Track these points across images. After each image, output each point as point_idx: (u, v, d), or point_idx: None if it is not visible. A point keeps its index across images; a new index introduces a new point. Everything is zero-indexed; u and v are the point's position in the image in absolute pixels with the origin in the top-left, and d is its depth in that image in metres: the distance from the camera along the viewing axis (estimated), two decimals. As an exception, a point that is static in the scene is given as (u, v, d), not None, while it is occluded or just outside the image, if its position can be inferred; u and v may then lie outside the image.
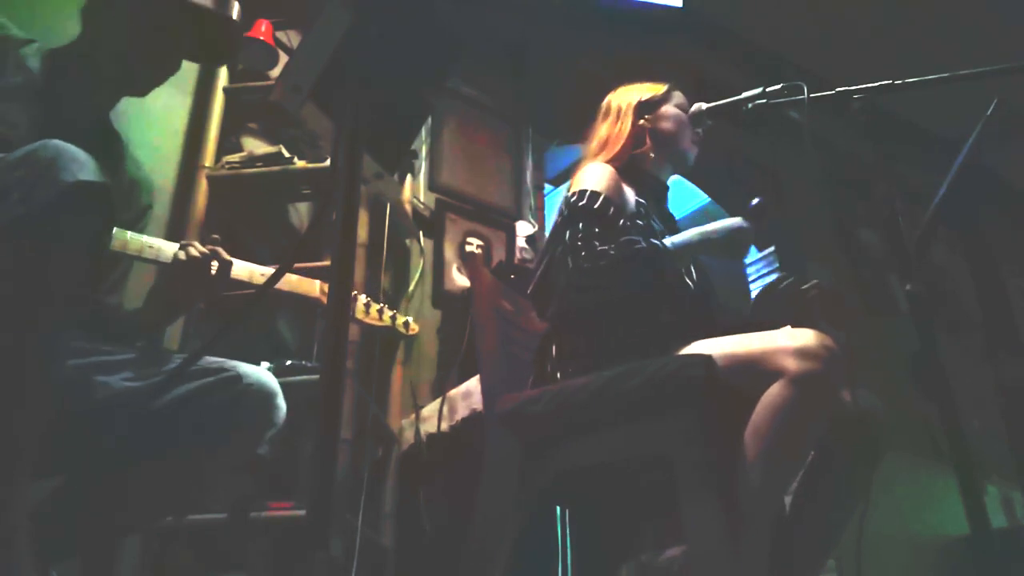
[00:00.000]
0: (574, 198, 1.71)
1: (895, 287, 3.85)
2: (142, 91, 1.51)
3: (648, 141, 1.88)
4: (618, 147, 1.86)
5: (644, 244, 1.60)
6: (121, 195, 1.49)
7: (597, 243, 1.61)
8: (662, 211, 1.88)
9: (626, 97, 1.93)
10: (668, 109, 1.90)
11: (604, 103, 1.97)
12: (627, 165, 1.83)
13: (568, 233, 1.66)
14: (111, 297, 1.51)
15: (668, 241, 1.64)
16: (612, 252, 1.59)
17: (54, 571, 1.28)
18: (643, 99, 1.91)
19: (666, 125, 1.88)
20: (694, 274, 1.81)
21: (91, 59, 1.43)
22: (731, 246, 1.66)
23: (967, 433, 1.15)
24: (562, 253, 1.66)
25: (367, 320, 1.77)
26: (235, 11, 1.51)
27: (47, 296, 1.05)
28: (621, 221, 1.69)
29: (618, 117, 1.91)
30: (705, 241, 1.65)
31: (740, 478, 1.37)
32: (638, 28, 3.67)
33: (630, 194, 1.77)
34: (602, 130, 1.92)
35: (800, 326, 1.51)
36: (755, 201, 1.71)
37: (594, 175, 1.76)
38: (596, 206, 1.67)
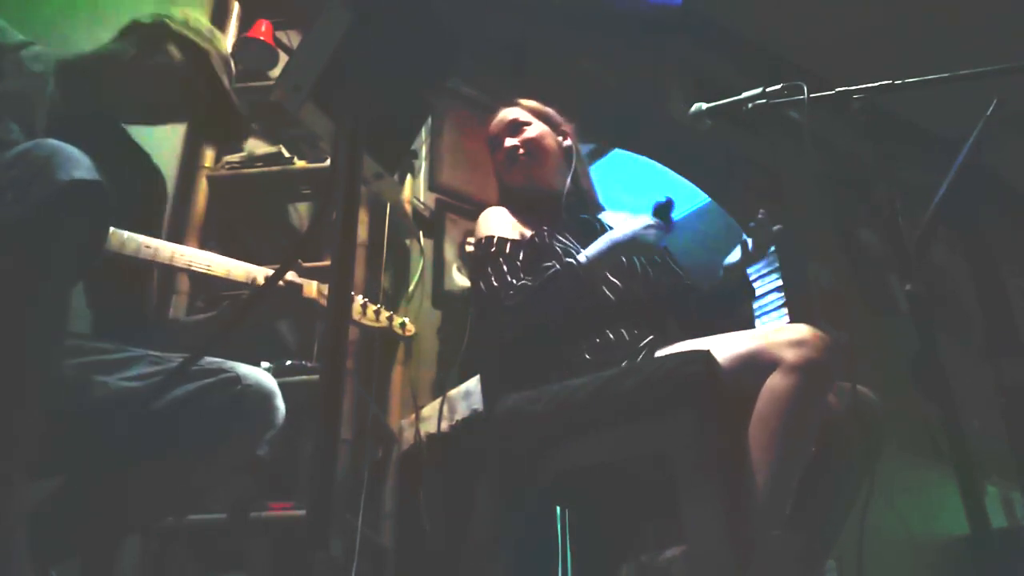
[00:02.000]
0: (472, 248, 1.84)
1: (895, 287, 3.84)
2: (131, 123, 1.55)
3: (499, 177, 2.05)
4: (500, 190, 2.04)
5: (558, 267, 1.67)
6: (128, 191, 1.50)
7: (512, 280, 1.70)
8: (572, 224, 1.94)
9: None
10: (490, 141, 2.06)
11: None
12: (516, 196, 1.97)
13: (482, 282, 1.75)
14: (165, 309, 1.54)
15: (581, 256, 1.70)
16: (530, 281, 1.67)
17: (54, 571, 1.28)
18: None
19: (494, 156, 2.05)
20: (651, 273, 1.88)
21: (101, 80, 1.45)
22: (638, 245, 1.72)
23: (967, 433, 1.15)
24: (486, 299, 1.74)
25: (364, 321, 1.77)
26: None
27: (44, 295, 1.05)
28: (521, 253, 1.77)
29: None
30: (614, 246, 1.72)
31: (749, 473, 1.37)
32: (638, 28, 3.67)
33: (523, 224, 1.87)
34: None
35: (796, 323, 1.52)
36: (661, 201, 1.76)
37: (485, 221, 1.89)
38: (493, 249, 1.77)
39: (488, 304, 1.73)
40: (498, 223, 1.85)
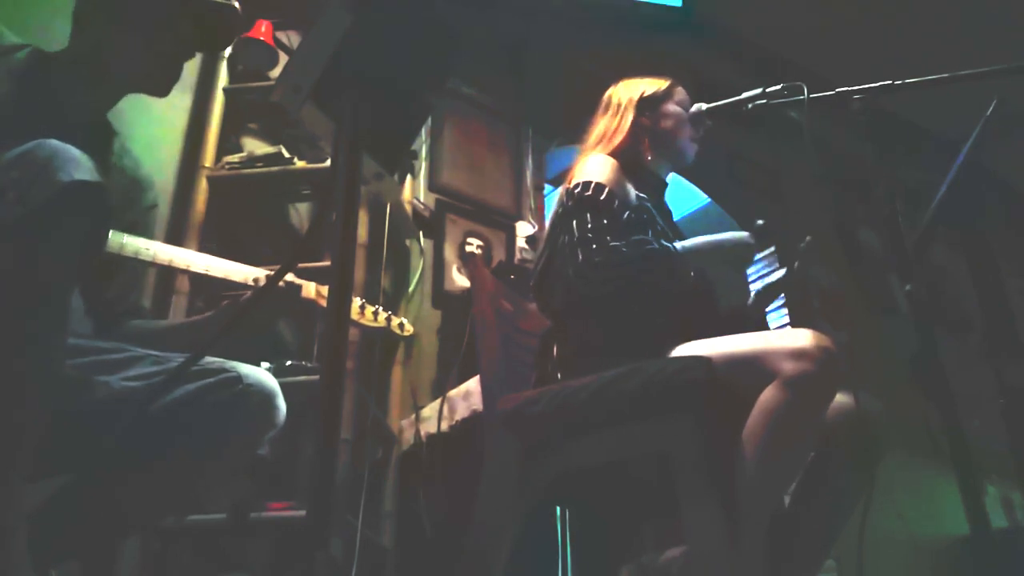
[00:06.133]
0: (578, 189, 1.68)
1: (895, 287, 3.85)
2: (163, 91, 1.49)
3: (648, 138, 1.86)
4: (617, 141, 1.84)
5: (656, 246, 1.60)
6: (120, 195, 1.49)
7: (608, 237, 1.59)
8: (662, 208, 1.88)
9: (627, 92, 1.92)
10: (669, 107, 1.89)
11: (605, 96, 1.95)
12: (627, 160, 1.80)
13: (575, 224, 1.63)
14: (121, 304, 1.52)
15: (679, 245, 1.64)
16: (624, 250, 1.58)
17: (54, 571, 1.28)
18: (645, 95, 1.89)
19: (667, 123, 1.87)
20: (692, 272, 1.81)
21: (92, 61, 1.43)
22: (736, 260, 1.68)
23: (967, 433, 1.15)
24: (569, 244, 1.63)
25: (362, 322, 1.76)
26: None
27: (44, 296, 1.05)
28: (625, 214, 1.67)
29: (618, 111, 1.89)
30: (715, 251, 1.66)
31: (738, 479, 1.37)
32: (638, 28, 3.67)
33: (631, 189, 1.76)
34: (600, 124, 1.90)
35: (799, 327, 1.51)
36: (760, 223, 1.73)
37: (596, 166, 1.73)
38: (602, 198, 1.65)
39: (573, 249, 1.62)
40: (604, 172, 1.72)
